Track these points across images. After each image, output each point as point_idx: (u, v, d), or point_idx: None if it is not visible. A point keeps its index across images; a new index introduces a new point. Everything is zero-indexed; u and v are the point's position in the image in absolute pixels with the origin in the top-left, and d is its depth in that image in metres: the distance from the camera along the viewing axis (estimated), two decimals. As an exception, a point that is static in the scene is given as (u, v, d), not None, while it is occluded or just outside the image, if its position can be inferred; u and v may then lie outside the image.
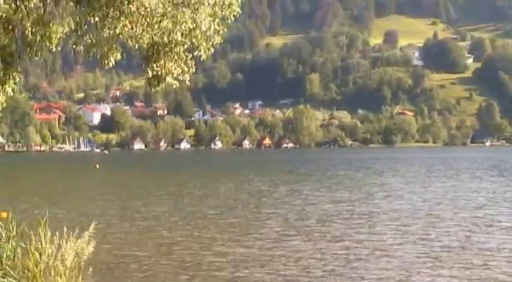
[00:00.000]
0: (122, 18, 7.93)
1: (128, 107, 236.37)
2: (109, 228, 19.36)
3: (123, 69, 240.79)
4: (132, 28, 8.14)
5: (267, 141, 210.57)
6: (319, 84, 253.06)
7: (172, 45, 8.41)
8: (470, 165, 67.29)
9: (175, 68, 8.58)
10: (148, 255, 15.24)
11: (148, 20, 8.10)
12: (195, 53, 8.56)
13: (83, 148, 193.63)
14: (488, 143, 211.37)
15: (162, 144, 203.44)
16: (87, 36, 8.44)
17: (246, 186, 38.45)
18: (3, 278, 8.94)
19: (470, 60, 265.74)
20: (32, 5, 8.67)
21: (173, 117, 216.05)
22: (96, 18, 8.03)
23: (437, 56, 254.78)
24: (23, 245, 9.42)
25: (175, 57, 8.54)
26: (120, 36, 8.28)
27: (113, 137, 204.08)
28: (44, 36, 8.85)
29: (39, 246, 9.25)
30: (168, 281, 12.70)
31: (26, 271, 9.17)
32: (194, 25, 8.17)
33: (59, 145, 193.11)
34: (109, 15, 7.94)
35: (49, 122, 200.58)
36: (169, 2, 8.14)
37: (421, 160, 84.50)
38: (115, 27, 8.08)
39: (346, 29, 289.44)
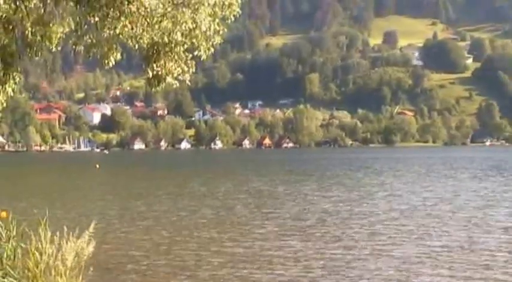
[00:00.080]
0: (122, 19, 7.93)
1: (128, 107, 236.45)
2: (109, 228, 19.38)
3: (123, 69, 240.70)
4: (132, 28, 8.14)
5: (267, 141, 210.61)
6: (319, 84, 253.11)
7: (173, 45, 8.41)
8: (470, 165, 67.30)
9: (175, 68, 8.58)
10: (148, 255, 15.25)
11: (148, 20, 8.11)
12: (195, 53, 8.57)
13: (83, 148, 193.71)
14: (488, 143, 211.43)
15: (162, 144, 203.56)
16: (87, 36, 8.45)
17: (246, 186, 38.46)
18: (4, 278, 8.95)
19: (469, 60, 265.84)
20: (32, 5, 8.68)
21: (173, 117, 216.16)
22: (96, 19, 8.03)
23: (437, 56, 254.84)
24: (23, 245, 9.42)
25: (176, 57, 8.54)
26: (120, 36, 8.27)
27: (113, 137, 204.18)
28: (44, 36, 8.85)
29: (40, 246, 9.25)
30: (168, 281, 12.70)
31: (26, 271, 9.17)
32: (194, 25, 8.18)
33: (59, 145, 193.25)
34: (109, 16, 7.95)
35: (49, 122, 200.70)
36: (169, 2, 8.14)
37: (421, 160, 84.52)
38: (115, 28, 8.08)
39: (346, 29, 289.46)
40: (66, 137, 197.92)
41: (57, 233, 9.32)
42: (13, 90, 9.45)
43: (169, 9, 8.13)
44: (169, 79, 8.66)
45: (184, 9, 8.15)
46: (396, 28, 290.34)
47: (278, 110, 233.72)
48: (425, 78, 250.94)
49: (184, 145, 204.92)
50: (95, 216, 20.47)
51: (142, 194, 32.54)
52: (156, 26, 8.18)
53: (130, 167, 76.79)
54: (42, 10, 8.67)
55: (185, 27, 8.16)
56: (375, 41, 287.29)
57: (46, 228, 9.32)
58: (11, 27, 8.73)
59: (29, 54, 9.09)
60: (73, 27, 8.64)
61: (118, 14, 7.93)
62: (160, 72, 8.60)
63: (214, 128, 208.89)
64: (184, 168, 67.67)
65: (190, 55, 8.63)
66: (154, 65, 8.56)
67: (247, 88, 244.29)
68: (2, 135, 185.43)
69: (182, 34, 8.25)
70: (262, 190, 35.09)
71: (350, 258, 14.61)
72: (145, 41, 8.38)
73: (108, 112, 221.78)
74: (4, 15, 8.60)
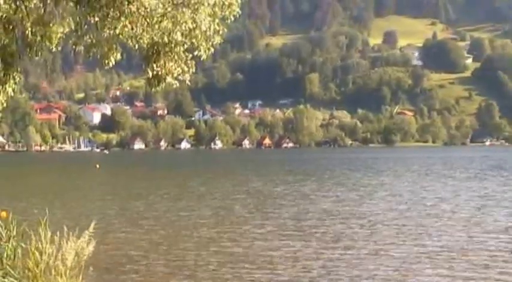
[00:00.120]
0: (122, 19, 7.94)
1: (128, 107, 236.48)
2: (109, 228, 19.38)
3: (123, 69, 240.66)
4: (132, 28, 8.15)
5: (267, 141, 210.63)
6: (318, 84, 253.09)
7: (172, 45, 8.42)
8: (470, 165, 67.30)
9: (175, 68, 8.58)
10: (148, 254, 15.26)
11: (148, 20, 8.11)
12: (195, 53, 8.57)
13: (83, 148, 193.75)
14: (487, 143, 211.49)
15: (162, 144, 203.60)
16: (87, 37, 8.46)
17: (246, 186, 38.46)
18: (4, 277, 8.96)
19: (469, 60, 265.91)
20: (32, 5, 8.69)
21: (173, 117, 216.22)
22: (96, 19, 8.04)
23: (437, 56, 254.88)
24: (23, 245, 9.43)
25: (175, 57, 8.54)
26: (120, 36, 8.28)
27: (113, 137, 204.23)
28: (44, 36, 8.86)
29: (40, 246, 9.26)
30: (167, 281, 12.71)
31: (26, 271, 9.18)
32: (194, 25, 8.18)
33: (59, 145, 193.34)
34: (109, 16, 7.95)
35: (49, 121, 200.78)
36: (169, 2, 8.15)
37: (420, 160, 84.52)
38: (115, 28, 8.09)
39: (346, 29, 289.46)
40: (66, 137, 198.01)
41: (57, 233, 9.33)
42: (13, 90, 9.45)
43: (169, 9, 8.13)
44: (169, 79, 8.66)
45: (184, 9, 8.15)
46: (396, 28, 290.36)
47: (278, 110, 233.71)
48: (425, 78, 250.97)
49: (184, 145, 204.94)
50: (95, 216, 20.46)
51: (142, 194, 32.55)
52: (156, 26, 8.18)
53: (130, 167, 76.81)
54: (42, 10, 8.67)
55: (185, 27, 8.17)
56: (375, 41, 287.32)
57: (46, 228, 9.33)
58: (11, 27, 8.74)
59: (29, 54, 9.10)
60: (73, 27, 8.64)
61: (118, 14, 7.93)
62: (160, 72, 8.61)
63: (214, 128, 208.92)
64: (184, 168, 67.66)
65: (190, 55, 8.63)
66: (154, 65, 8.57)
67: (247, 88, 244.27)
68: (2, 135, 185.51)
69: (182, 34, 8.25)
70: (261, 190, 35.09)
71: (349, 258, 14.62)
72: (145, 41, 8.39)
73: (108, 112, 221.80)
74: (4, 15, 8.60)
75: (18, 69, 9.35)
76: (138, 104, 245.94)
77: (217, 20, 8.37)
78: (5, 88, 9.33)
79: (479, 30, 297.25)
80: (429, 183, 39.37)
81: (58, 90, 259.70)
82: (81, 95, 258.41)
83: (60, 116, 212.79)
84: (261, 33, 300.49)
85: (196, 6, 8.15)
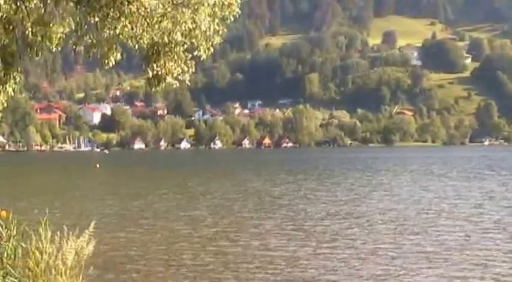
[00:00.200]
0: (122, 19, 7.95)
1: (128, 107, 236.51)
2: (109, 227, 19.41)
3: (123, 69, 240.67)
4: (132, 28, 8.16)
5: (266, 140, 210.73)
6: (318, 84, 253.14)
7: (172, 45, 8.43)
8: (469, 164, 67.35)
9: (175, 68, 8.60)
10: (148, 254, 15.29)
11: (148, 20, 8.13)
12: (195, 53, 8.58)
13: (83, 148, 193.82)
14: (486, 143, 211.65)
15: (162, 143, 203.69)
16: (88, 37, 8.47)
17: (245, 185, 38.50)
18: (5, 277, 8.98)
19: (468, 60, 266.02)
20: (33, 6, 8.70)
21: (173, 117, 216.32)
22: (96, 19, 8.05)
23: (436, 56, 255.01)
24: (23, 244, 9.45)
25: (175, 57, 8.56)
26: (120, 36, 8.29)
27: (113, 137, 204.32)
28: (45, 37, 8.88)
29: (40, 245, 9.27)
30: (167, 280, 12.74)
31: (27, 270, 9.19)
32: (194, 25, 8.20)
33: (59, 145, 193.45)
34: (109, 16, 7.96)
35: (49, 121, 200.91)
36: (169, 2, 8.17)
37: (419, 159, 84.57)
38: (115, 28, 8.10)
39: (345, 29, 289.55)
40: (67, 137, 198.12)
41: (58, 233, 9.35)
42: (13, 90, 9.47)
43: (169, 9, 8.15)
44: (169, 79, 8.68)
45: (184, 10, 8.17)
46: (395, 28, 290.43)
47: (278, 110, 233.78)
48: (424, 78, 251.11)
49: (184, 145, 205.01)
50: (95, 215, 20.52)
51: (142, 194, 32.58)
52: (156, 26, 8.20)
53: (130, 166, 76.83)
54: (43, 10, 8.69)
55: (185, 27, 8.19)
56: (374, 41, 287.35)
57: (46, 228, 9.34)
58: (11, 27, 8.76)
59: (30, 54, 9.11)
60: (73, 27, 8.66)
61: (118, 14, 7.95)
62: (160, 72, 8.62)
63: (214, 127, 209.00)
64: (184, 168, 67.69)
65: (190, 55, 8.65)
66: (154, 65, 8.58)
67: (247, 88, 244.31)
68: (3, 135, 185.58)
69: (182, 34, 8.27)
70: (261, 190, 35.13)
71: (348, 257, 14.65)
72: (145, 41, 8.40)
73: (108, 112, 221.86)
74: (5, 16, 8.62)
75: (19, 69, 9.37)
76: (138, 103, 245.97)
77: (217, 20, 8.39)
78: (6, 88, 9.34)
79: (478, 30, 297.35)
80: (428, 182, 39.42)
81: (58, 90, 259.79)
82: (81, 95, 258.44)
83: (60, 115, 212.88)
84: (261, 33, 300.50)
85: (196, 7, 8.17)
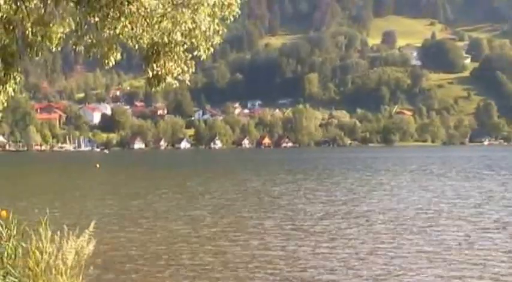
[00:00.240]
0: (122, 19, 7.97)
1: (128, 107, 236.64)
2: (109, 227, 19.43)
3: (123, 69, 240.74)
4: (132, 28, 8.18)
5: (266, 140, 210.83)
6: (318, 84, 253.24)
7: (172, 45, 8.45)
8: (468, 164, 67.38)
9: (175, 68, 8.61)
10: (148, 254, 15.31)
11: (148, 20, 8.15)
12: (195, 53, 8.60)
13: (83, 147, 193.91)
14: (486, 142, 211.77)
15: (162, 143, 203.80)
16: (88, 37, 8.49)
17: (245, 185, 38.52)
18: (5, 276, 9.00)
19: (468, 60, 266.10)
20: (33, 6, 8.72)
21: (173, 117, 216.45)
22: (97, 19, 8.07)
23: (436, 56, 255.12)
24: (23, 244, 9.46)
25: (175, 57, 8.57)
26: (120, 36, 8.31)
27: (113, 137, 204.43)
28: (45, 37, 8.89)
29: (40, 245, 9.29)
30: (167, 280, 12.76)
31: (27, 270, 9.21)
32: (194, 25, 8.22)
33: (59, 144, 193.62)
34: (109, 16, 7.98)
35: (49, 121, 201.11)
36: (169, 2, 8.18)
37: (419, 159, 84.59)
38: (115, 28, 8.12)
39: (345, 29, 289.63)
40: (67, 137, 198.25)
41: (58, 232, 9.37)
42: (14, 90, 9.48)
43: (169, 9, 8.17)
44: (169, 79, 8.70)
45: (184, 10, 8.19)
46: (395, 28, 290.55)
47: (277, 110, 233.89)
48: (424, 78, 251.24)
49: (184, 145, 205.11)
50: (95, 215, 20.55)
51: (142, 194, 32.60)
52: (156, 26, 8.22)
53: (130, 166, 76.84)
54: (43, 10, 8.71)
55: (185, 27, 8.20)
56: (374, 41, 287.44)
57: (46, 228, 9.36)
58: (11, 27, 8.77)
59: (30, 54, 9.13)
60: (73, 27, 8.68)
61: (118, 15, 7.96)
62: (160, 72, 8.64)
63: (214, 127, 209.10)
64: (184, 168, 67.71)
65: (190, 55, 8.67)
66: (154, 65, 8.60)
67: (247, 88, 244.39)
68: (3, 135, 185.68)
69: (182, 34, 8.29)
70: (261, 189, 35.15)
71: (347, 257, 14.68)
72: (145, 41, 8.42)
73: (108, 112, 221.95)
74: (5, 16, 8.64)
75: (19, 69, 9.39)
76: (138, 103, 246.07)
77: (216, 20, 8.41)
78: (6, 88, 9.36)
79: (478, 30, 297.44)
80: (427, 182, 39.44)
81: (58, 90, 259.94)
82: (82, 95, 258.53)
83: (60, 115, 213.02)
84: (261, 34, 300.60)
85: (196, 7, 8.19)
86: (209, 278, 12.79)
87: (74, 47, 8.70)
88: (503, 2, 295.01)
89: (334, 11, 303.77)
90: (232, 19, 8.54)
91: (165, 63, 8.58)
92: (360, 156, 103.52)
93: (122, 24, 8.07)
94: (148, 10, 8.05)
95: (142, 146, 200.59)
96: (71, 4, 8.42)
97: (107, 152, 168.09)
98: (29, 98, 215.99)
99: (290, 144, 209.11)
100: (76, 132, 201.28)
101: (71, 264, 9.29)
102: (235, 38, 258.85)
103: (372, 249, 15.61)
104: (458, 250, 15.40)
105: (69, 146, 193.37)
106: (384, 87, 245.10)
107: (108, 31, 8.19)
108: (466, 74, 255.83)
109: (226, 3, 8.35)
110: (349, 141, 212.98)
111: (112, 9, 7.93)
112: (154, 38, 8.37)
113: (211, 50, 8.58)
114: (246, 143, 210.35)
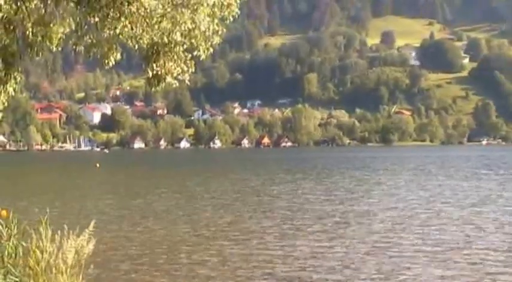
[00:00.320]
0: (122, 19, 8.00)
1: (128, 107, 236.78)
2: (109, 226, 19.46)
3: (123, 69, 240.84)
4: (132, 28, 8.21)
5: (265, 140, 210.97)
6: (317, 84, 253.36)
7: (172, 45, 8.48)
8: (467, 163, 67.45)
9: (174, 68, 8.65)
10: (148, 253, 15.35)
11: (148, 20, 8.18)
12: (195, 53, 8.64)
13: (83, 147, 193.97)
14: (484, 142, 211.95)
15: (162, 143, 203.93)
16: (88, 37, 8.52)
17: (244, 184, 38.55)
18: (6, 276, 9.04)
19: (466, 60, 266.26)
20: (33, 6, 8.75)
21: (173, 117, 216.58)
22: (97, 19, 8.10)
23: (434, 56, 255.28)
24: (24, 243, 9.50)
25: (175, 57, 8.61)
26: (120, 36, 8.34)
27: (113, 136, 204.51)
28: (45, 37, 8.92)
29: (40, 244, 9.32)
30: (167, 280, 12.80)
31: (27, 269, 9.24)
32: (193, 25, 8.25)
33: (59, 144, 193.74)
34: (109, 16, 8.02)
35: (50, 121, 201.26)
36: (168, 3, 8.22)
37: (418, 159, 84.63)
38: (115, 28, 8.15)
39: (344, 29, 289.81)
40: (67, 136, 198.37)
41: (58, 232, 9.41)
42: (14, 90, 9.51)
43: (168, 9, 8.20)
44: (168, 79, 8.73)
45: (183, 10, 8.22)
46: (393, 28, 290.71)
47: (277, 110, 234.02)
48: (423, 78, 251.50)
49: (184, 144, 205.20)
50: (95, 214, 20.60)
51: (141, 193, 32.63)
52: (156, 27, 8.25)
53: (130, 166, 76.84)
54: (43, 11, 8.74)
55: (184, 27, 8.24)
56: (373, 41, 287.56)
57: (47, 227, 9.40)
58: (12, 27, 8.80)
59: (30, 54, 9.16)
60: (73, 27, 8.71)
61: (118, 15, 8.00)
62: (160, 72, 8.67)
63: (214, 127, 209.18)
64: (184, 167, 67.72)
65: (190, 55, 8.70)
66: (154, 65, 8.63)
67: (246, 88, 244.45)
68: (4, 135, 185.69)
69: (181, 34, 8.33)
70: (260, 189, 35.19)
71: (346, 256, 14.72)
72: (145, 41, 8.45)
73: (108, 111, 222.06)
74: (5, 16, 8.67)
75: (19, 69, 9.42)
76: (138, 103, 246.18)
77: (216, 21, 8.45)
78: (6, 88, 9.39)
79: (476, 30, 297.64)
80: (426, 182, 39.49)
81: (58, 90, 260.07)
82: (82, 95, 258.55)
83: (60, 115, 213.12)
84: (260, 34, 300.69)
85: (195, 7, 8.22)
86: (208, 277, 12.83)
87: (74, 47, 8.73)
88: (502, 2, 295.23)
89: (333, 11, 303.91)
90: (231, 19, 8.58)
91: (164, 63, 8.61)
92: (359, 155, 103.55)
93: (122, 24, 8.10)
94: (148, 10, 8.09)
95: (142, 145, 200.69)
96: (71, 4, 8.46)
97: (107, 151, 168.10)
98: (30, 97, 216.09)
99: (289, 143, 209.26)
100: (76, 132, 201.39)
101: (71, 263, 9.33)
102: (235, 38, 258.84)
103: (371, 248, 15.66)
104: (457, 249, 15.45)
105: (69, 146, 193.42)
106: (382, 87, 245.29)
107: (108, 31, 8.23)
108: (465, 73, 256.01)
109: (225, 3, 8.39)
110: (348, 141, 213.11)
111: (112, 10, 7.97)
112: (154, 38, 8.41)
113: (211, 50, 8.61)
114: (245, 142, 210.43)
